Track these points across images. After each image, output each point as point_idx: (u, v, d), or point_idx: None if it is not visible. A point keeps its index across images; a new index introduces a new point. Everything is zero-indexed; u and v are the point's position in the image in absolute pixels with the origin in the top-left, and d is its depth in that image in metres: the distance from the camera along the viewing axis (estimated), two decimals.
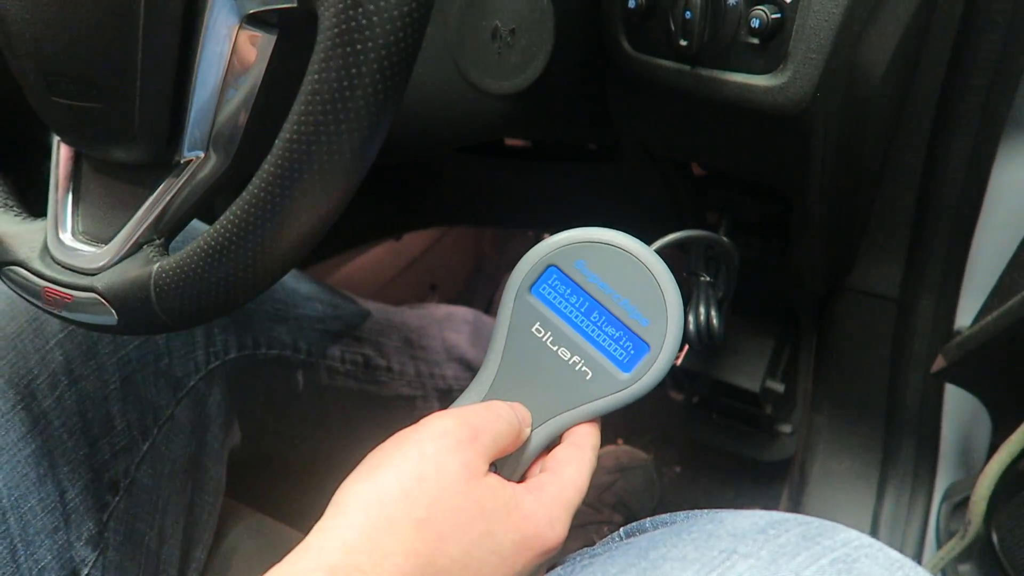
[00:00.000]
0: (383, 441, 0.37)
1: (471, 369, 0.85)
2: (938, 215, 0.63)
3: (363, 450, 0.38)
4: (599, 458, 0.40)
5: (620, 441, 0.99)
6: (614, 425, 1.01)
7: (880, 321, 0.72)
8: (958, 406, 0.74)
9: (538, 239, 1.25)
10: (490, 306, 1.21)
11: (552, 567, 0.37)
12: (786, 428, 0.83)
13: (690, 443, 0.99)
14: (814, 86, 0.45)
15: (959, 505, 0.66)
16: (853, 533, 0.30)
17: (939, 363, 0.62)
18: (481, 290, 1.25)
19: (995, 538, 0.62)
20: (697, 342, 0.56)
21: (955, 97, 0.56)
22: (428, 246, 1.15)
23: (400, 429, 0.37)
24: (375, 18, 0.30)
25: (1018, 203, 0.62)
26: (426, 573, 0.32)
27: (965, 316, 0.68)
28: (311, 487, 0.63)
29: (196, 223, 0.53)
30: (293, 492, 0.66)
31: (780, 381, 0.76)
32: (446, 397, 0.82)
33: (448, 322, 0.88)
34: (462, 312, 0.92)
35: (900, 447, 0.77)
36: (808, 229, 0.59)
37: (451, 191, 0.93)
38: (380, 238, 1.05)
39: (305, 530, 0.34)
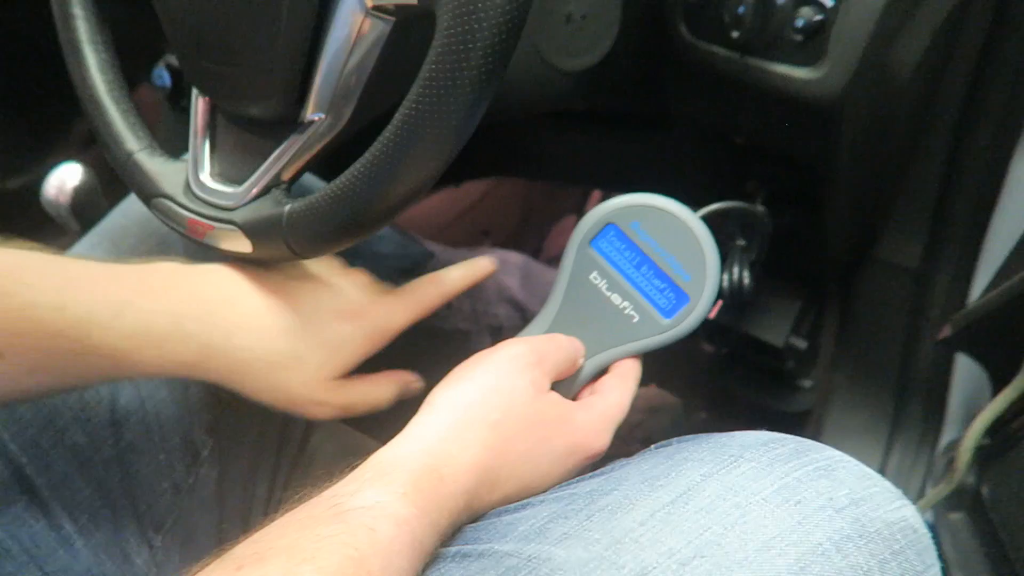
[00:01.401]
0: (442, 366, 0.45)
1: (520, 310, 0.93)
2: (959, 198, 0.69)
3: (424, 374, 0.46)
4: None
5: (652, 386, 1.07)
6: (648, 371, 1.08)
7: (899, 291, 0.78)
8: (967, 376, 0.80)
9: (585, 196, 1.32)
10: (537, 253, 1.28)
11: (594, 467, 0.45)
12: (806, 383, 0.90)
13: (716, 392, 1.06)
14: (847, 81, 0.51)
15: (952, 461, 0.73)
16: (837, 452, 0.38)
17: (946, 331, 0.68)
18: (528, 238, 1.32)
19: (984, 492, 0.70)
20: (729, 298, 0.63)
21: (981, 90, 0.62)
22: (483, 194, 1.22)
23: (456, 358, 0.45)
24: (484, 24, 0.37)
25: None
26: (496, 462, 0.40)
27: (979, 291, 0.74)
28: None
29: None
30: None
31: (803, 339, 0.83)
32: (497, 334, 0.90)
33: (502, 266, 0.95)
34: (514, 257, 0.99)
35: (909, 408, 0.83)
36: (837, 204, 0.65)
37: (509, 146, 1.00)
38: (441, 185, 1.12)
39: (375, 437, 0.42)
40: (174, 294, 0.46)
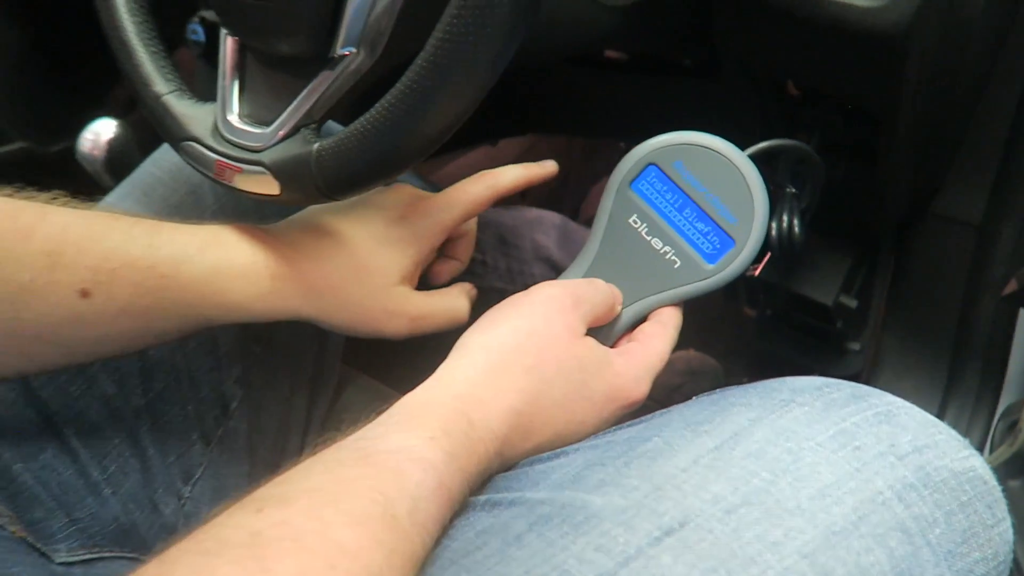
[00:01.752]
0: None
1: (556, 269, 0.91)
2: None
3: (460, 331, 0.45)
4: (670, 361, 0.46)
5: (692, 349, 1.04)
6: (686, 336, 1.06)
7: (959, 247, 0.74)
8: None
9: (627, 151, 1.28)
10: (575, 215, 1.26)
11: (631, 418, 0.43)
12: (855, 345, 0.87)
13: (759, 357, 1.03)
14: (914, 10, 0.47)
15: (1014, 424, 0.69)
16: (898, 399, 0.36)
17: (1012, 286, 0.65)
18: (566, 200, 1.30)
19: None
20: (778, 248, 0.60)
21: None
22: (521, 153, 1.20)
23: None
24: None
25: None
26: (531, 408, 0.38)
27: None
28: (412, 357, 0.71)
29: None
30: (398, 361, 0.74)
31: (854, 298, 0.80)
32: None
33: (538, 225, 0.93)
34: (551, 216, 0.97)
35: (965, 371, 0.80)
36: (896, 154, 0.62)
37: (548, 100, 0.97)
38: (478, 143, 1.10)
39: (406, 392, 0.40)
40: (247, 234, 0.48)
